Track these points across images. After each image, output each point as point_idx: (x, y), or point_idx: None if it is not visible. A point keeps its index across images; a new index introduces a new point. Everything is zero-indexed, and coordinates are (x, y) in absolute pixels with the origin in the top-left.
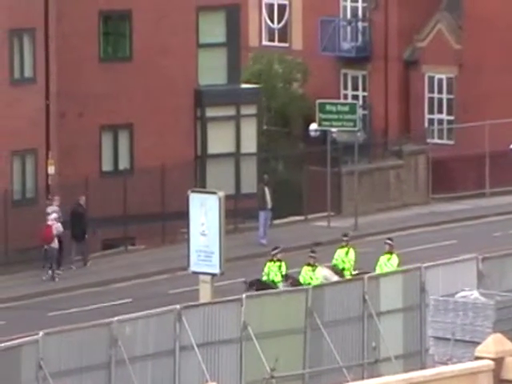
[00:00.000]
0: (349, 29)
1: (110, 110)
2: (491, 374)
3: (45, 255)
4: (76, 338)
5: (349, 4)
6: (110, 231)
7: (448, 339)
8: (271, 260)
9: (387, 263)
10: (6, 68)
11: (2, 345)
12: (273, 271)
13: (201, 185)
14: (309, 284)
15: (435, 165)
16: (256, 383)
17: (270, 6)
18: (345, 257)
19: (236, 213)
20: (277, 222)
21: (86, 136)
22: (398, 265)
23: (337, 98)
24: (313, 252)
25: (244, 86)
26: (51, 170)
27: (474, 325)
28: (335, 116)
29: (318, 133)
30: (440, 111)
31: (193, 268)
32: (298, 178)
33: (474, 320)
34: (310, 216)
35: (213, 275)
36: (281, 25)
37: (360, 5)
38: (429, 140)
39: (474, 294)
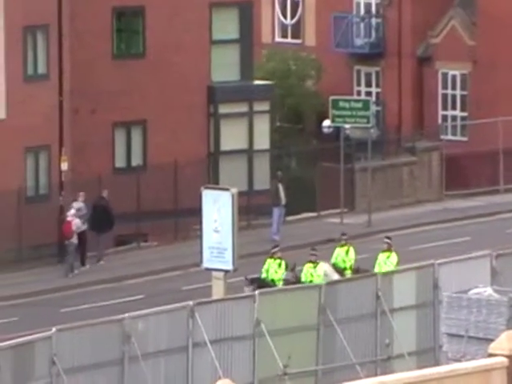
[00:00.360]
0: (362, 25)
1: (123, 106)
2: (505, 371)
3: (65, 251)
4: (89, 334)
5: (362, 0)
6: (122, 227)
7: (461, 336)
8: (271, 257)
9: (386, 261)
10: (20, 65)
11: (16, 341)
12: (272, 268)
13: (214, 181)
14: (310, 281)
15: (449, 161)
16: (269, 380)
17: (283, 2)
18: (345, 256)
19: (249, 209)
20: (290, 218)
21: (99, 133)
22: (397, 263)
23: (350, 95)
24: (314, 250)
25: (257, 82)
26: (64, 166)
27: (488, 322)
28: (348, 112)
29: (331, 129)
30: (453, 108)
31: (206, 264)
32: (310, 174)
33: (487, 317)
34: (322, 212)
35: (226, 272)
36: (294, 21)
37: (373, 1)
38: (442, 136)
39: (488, 291)
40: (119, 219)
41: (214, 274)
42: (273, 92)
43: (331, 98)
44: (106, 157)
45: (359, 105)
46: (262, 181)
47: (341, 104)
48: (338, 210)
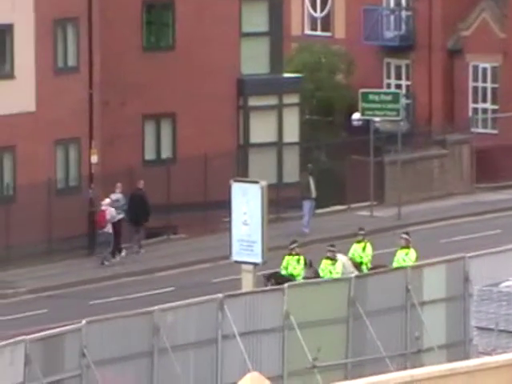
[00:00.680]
0: (392, 18)
1: (152, 99)
2: None
3: (98, 240)
4: (118, 327)
5: None
6: (152, 220)
7: (492, 329)
8: (290, 254)
9: (405, 258)
10: (50, 58)
11: (46, 333)
12: (291, 265)
13: (243, 174)
14: None
15: (479, 154)
16: (298, 373)
17: None
18: (362, 252)
19: (278, 202)
20: (319, 211)
21: (129, 125)
22: (416, 259)
23: (380, 88)
24: (332, 246)
25: (286, 75)
26: (94, 159)
27: None
28: (378, 105)
29: (360, 122)
30: (484, 100)
31: (235, 257)
32: (340, 167)
33: None
34: (352, 205)
35: (255, 264)
36: (323, 14)
37: None
38: (473, 129)
39: None
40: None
41: (244, 266)
42: (302, 85)
43: (361, 90)
44: (136, 149)
45: (389, 98)
46: (292, 174)
47: (370, 97)
48: (367, 203)
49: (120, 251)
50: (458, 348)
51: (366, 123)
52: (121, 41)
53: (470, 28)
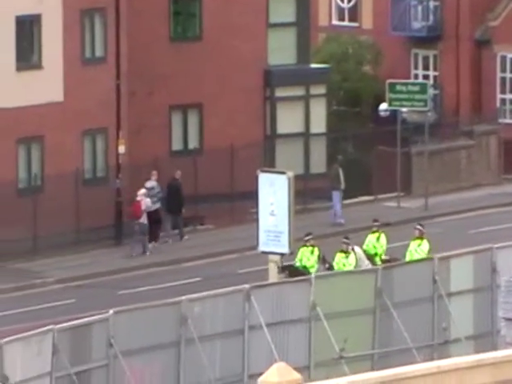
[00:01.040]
0: (420, 8)
1: (179, 89)
2: None
3: (135, 231)
4: (146, 317)
5: None
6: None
7: None
8: (304, 245)
9: (418, 249)
10: (78, 48)
11: (73, 323)
12: (305, 256)
13: (270, 165)
14: None
15: (507, 145)
16: (325, 363)
17: None
18: (376, 242)
19: (305, 193)
20: (346, 202)
21: (156, 115)
22: (429, 251)
23: (407, 78)
24: (347, 238)
25: (313, 66)
26: (121, 149)
27: None
28: (405, 96)
29: (387, 113)
30: None
31: (262, 248)
32: (367, 158)
33: None
34: (379, 196)
35: (282, 255)
36: (351, 4)
37: None
38: (500, 120)
39: None
40: None
41: (270, 257)
42: (329, 75)
43: (388, 81)
44: (163, 140)
45: (416, 88)
46: (319, 164)
47: (398, 87)
48: (394, 194)
49: (156, 240)
50: (485, 339)
51: (393, 114)
52: (148, 31)
53: (498, 18)
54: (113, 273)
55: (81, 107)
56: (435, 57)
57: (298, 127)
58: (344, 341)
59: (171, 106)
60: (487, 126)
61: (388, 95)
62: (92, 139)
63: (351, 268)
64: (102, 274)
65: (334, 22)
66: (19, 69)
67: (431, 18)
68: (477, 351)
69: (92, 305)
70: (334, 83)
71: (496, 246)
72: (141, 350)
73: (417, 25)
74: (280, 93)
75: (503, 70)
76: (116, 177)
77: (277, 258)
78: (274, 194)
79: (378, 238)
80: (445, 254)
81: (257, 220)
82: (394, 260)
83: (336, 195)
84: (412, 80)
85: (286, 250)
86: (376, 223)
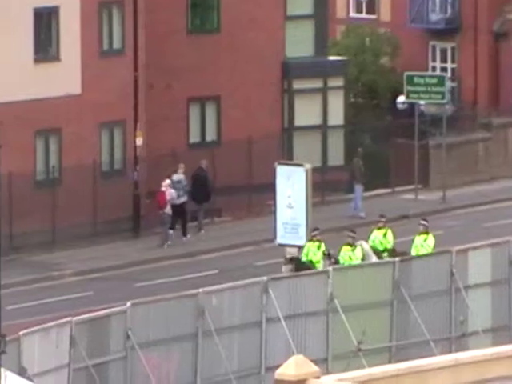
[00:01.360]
0: (438, 0)
1: (197, 82)
2: None
3: (160, 221)
4: (163, 309)
5: None
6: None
7: None
8: (311, 240)
9: (423, 244)
10: (96, 40)
11: (91, 315)
12: (311, 251)
13: (287, 157)
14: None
15: None
16: (342, 356)
17: None
18: (383, 238)
19: (323, 185)
20: (364, 194)
21: (174, 108)
22: (435, 246)
23: (425, 71)
24: (352, 232)
25: (331, 58)
26: (139, 141)
27: None
28: (423, 88)
29: (405, 105)
30: None
31: (279, 240)
32: (385, 150)
33: None
34: (397, 189)
35: (299, 247)
36: None
37: None
38: None
39: None
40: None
41: (288, 249)
42: (347, 68)
43: (406, 73)
44: (181, 132)
45: (434, 80)
46: (336, 157)
47: (415, 80)
48: (412, 187)
49: (185, 234)
50: (503, 332)
51: (411, 106)
52: (166, 23)
53: None
54: (130, 265)
55: (98, 99)
56: (453, 49)
57: (316, 119)
58: (362, 333)
59: (189, 98)
60: (505, 118)
61: (406, 88)
62: (110, 131)
63: (358, 261)
64: (120, 266)
65: (352, 14)
66: (37, 61)
67: (449, 10)
68: (494, 344)
69: (109, 297)
70: (352, 76)
71: None
72: (158, 342)
73: (435, 17)
74: (298, 85)
75: None
76: (134, 169)
77: (294, 250)
78: (291, 186)
79: (384, 235)
80: (462, 246)
81: (274, 212)
82: (401, 254)
83: (358, 189)
84: (430, 72)
85: (303, 242)
86: (382, 219)
